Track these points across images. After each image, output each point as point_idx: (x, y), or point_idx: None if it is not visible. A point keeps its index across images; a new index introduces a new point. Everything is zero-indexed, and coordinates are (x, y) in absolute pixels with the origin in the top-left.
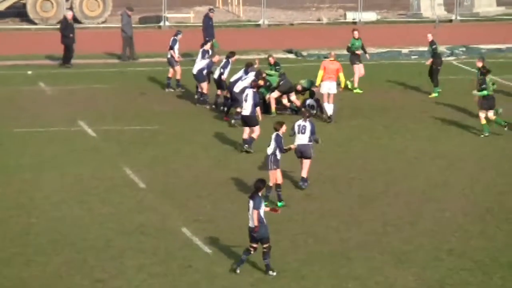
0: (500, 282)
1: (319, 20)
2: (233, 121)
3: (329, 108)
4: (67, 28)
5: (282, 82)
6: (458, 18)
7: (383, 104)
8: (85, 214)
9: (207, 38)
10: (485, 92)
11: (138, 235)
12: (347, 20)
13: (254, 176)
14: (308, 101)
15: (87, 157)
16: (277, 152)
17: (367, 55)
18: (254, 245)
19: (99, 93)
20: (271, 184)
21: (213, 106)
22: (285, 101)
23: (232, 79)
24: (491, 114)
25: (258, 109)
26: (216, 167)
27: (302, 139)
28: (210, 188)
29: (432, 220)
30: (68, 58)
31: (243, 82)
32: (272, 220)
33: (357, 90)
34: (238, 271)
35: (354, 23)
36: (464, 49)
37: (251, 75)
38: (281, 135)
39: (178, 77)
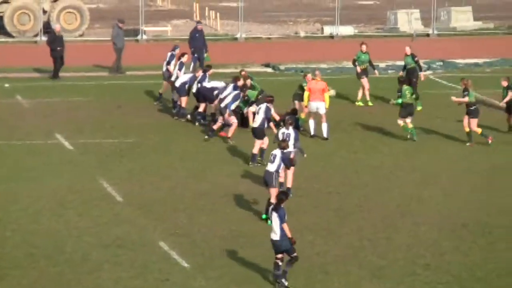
0: None
1: (296, 34)
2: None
3: (323, 127)
4: (55, 41)
5: (261, 96)
6: (435, 32)
7: (361, 118)
8: (62, 227)
9: (192, 50)
10: (399, 101)
11: (115, 248)
12: (324, 34)
13: (230, 188)
14: (288, 117)
15: (64, 170)
16: (281, 169)
17: (375, 71)
18: (280, 256)
19: (77, 106)
20: (272, 200)
21: (189, 118)
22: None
23: (222, 96)
24: (409, 120)
25: (271, 124)
26: (193, 179)
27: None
28: (186, 201)
29: (407, 235)
30: (57, 71)
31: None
32: (248, 234)
33: (369, 103)
34: (285, 282)
35: (332, 37)
36: (441, 63)
37: (230, 88)
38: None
39: (161, 91)
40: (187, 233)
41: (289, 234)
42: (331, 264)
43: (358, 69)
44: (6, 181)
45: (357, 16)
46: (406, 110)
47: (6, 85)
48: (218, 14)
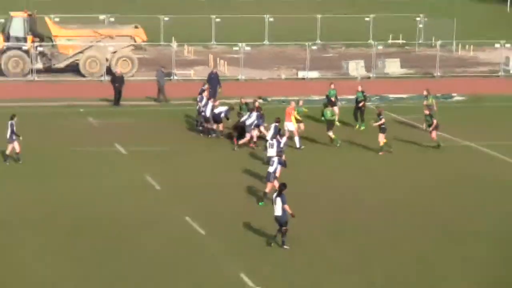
0: None
1: (279, 76)
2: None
3: (296, 140)
4: (115, 80)
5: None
6: (374, 76)
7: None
8: (117, 208)
9: (210, 88)
10: (323, 118)
11: (152, 223)
12: (298, 77)
13: (242, 181)
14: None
15: (119, 168)
16: (278, 170)
17: (339, 102)
18: (280, 227)
19: (131, 125)
20: (267, 191)
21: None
22: (255, 132)
23: (242, 119)
24: (331, 133)
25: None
26: (214, 174)
27: (271, 152)
28: (208, 189)
29: None
30: (117, 100)
31: (249, 119)
32: (252, 213)
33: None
34: (286, 247)
35: (303, 79)
36: (378, 97)
37: (254, 115)
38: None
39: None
40: (207, 211)
41: (290, 211)
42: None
43: (332, 99)
44: (79, 176)
45: (321, 65)
46: (329, 125)
47: (81, 110)
48: (225, 62)
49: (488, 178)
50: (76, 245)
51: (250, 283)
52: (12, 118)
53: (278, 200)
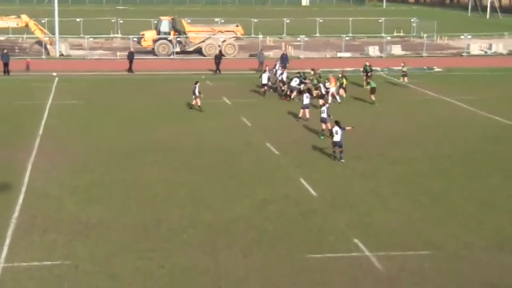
0: None
1: (325, 56)
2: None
3: (337, 97)
4: (216, 57)
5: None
6: (384, 55)
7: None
8: (229, 144)
9: (281, 64)
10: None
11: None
12: (337, 56)
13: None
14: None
15: (224, 113)
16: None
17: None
18: (337, 149)
19: (235, 86)
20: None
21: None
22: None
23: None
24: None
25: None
26: (289, 116)
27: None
28: (285, 127)
29: None
30: (217, 70)
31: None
32: (320, 145)
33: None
34: (343, 160)
35: (340, 57)
36: (387, 68)
37: (297, 80)
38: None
39: None
40: (281, 140)
41: (352, 127)
42: None
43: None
44: (202, 118)
45: (351, 48)
46: (373, 90)
47: (203, 76)
48: (292, 47)
49: (455, 120)
50: (194, 159)
51: (306, 185)
52: (196, 83)
53: (339, 129)
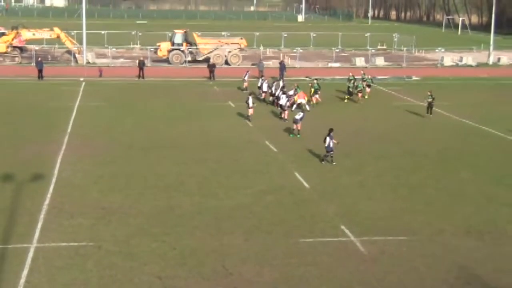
0: None
1: (317, 65)
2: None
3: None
4: (210, 66)
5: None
6: (369, 66)
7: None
8: (232, 135)
9: (280, 71)
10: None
11: (248, 144)
12: (328, 66)
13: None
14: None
15: (229, 115)
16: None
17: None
18: (329, 154)
19: (238, 91)
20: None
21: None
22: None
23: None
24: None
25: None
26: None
27: (297, 117)
28: (282, 128)
29: None
30: (212, 78)
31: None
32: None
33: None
34: (334, 163)
35: (331, 67)
36: (371, 77)
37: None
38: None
39: None
40: (276, 138)
41: (337, 141)
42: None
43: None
44: (208, 118)
45: (341, 59)
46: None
47: (210, 82)
48: (289, 57)
49: (430, 122)
50: (203, 154)
51: (299, 178)
52: (250, 95)
53: (328, 138)
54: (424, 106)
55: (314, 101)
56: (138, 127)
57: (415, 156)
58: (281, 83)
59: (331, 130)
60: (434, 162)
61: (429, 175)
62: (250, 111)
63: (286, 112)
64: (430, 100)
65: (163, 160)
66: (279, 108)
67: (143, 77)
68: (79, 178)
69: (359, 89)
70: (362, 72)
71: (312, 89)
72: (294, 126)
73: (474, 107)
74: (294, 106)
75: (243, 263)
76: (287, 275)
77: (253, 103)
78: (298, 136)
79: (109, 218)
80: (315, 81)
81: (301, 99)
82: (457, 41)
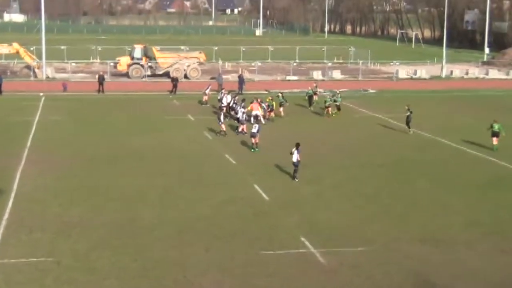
0: None
1: (276, 78)
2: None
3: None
4: (173, 80)
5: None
6: (327, 78)
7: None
8: (193, 150)
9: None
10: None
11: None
12: (286, 79)
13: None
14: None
15: (188, 127)
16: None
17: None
18: (295, 168)
19: (196, 104)
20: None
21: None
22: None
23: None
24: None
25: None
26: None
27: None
28: (241, 141)
29: None
30: (174, 91)
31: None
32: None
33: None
34: (296, 179)
35: (289, 80)
36: (328, 90)
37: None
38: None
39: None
40: (236, 152)
41: (299, 158)
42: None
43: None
44: (168, 131)
45: (298, 72)
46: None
47: (170, 96)
48: (247, 71)
49: (386, 134)
50: (164, 166)
51: (259, 189)
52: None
53: (296, 152)
54: (401, 121)
55: (282, 114)
56: (99, 141)
57: (371, 167)
58: (232, 97)
59: (298, 144)
60: (390, 172)
61: (385, 185)
62: (223, 127)
63: (244, 125)
64: (408, 114)
65: (124, 172)
66: (236, 122)
67: (103, 92)
68: (39, 192)
69: (327, 103)
70: (314, 84)
71: (275, 103)
72: (253, 140)
73: (429, 119)
74: (252, 119)
75: (205, 273)
76: (248, 285)
77: (224, 118)
78: (256, 150)
79: (69, 232)
80: (279, 95)
81: (256, 110)
82: (411, 55)
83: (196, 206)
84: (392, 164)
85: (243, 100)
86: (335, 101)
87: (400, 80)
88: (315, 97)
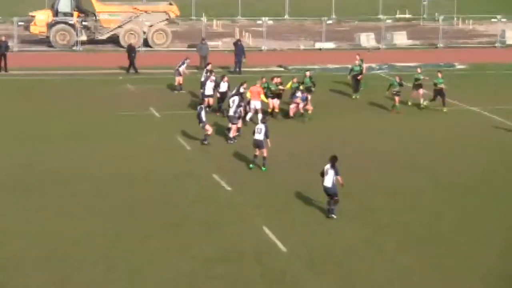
0: None
1: (298, 47)
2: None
3: (259, 117)
4: (131, 50)
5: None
6: (383, 47)
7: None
8: (155, 165)
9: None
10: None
11: (184, 176)
12: (315, 47)
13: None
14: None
15: (153, 129)
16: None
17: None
18: (329, 198)
19: (163, 90)
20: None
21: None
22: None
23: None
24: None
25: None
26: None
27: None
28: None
29: None
30: (132, 68)
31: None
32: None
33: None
34: (334, 216)
35: (320, 49)
36: (386, 66)
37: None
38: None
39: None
40: (230, 169)
41: (342, 182)
42: None
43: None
44: (118, 137)
45: (336, 36)
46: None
47: (120, 77)
48: (250, 34)
49: (486, 139)
50: (115, 203)
51: (270, 235)
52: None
53: (331, 171)
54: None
55: (309, 111)
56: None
57: (465, 194)
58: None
59: (334, 158)
60: (494, 202)
61: (488, 222)
62: (207, 129)
63: (235, 127)
64: (439, 85)
65: (41, 209)
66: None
67: (5, 70)
68: None
69: (395, 89)
70: (358, 57)
71: (300, 86)
72: (257, 152)
73: None
74: (249, 115)
75: None
76: None
77: (206, 117)
78: (263, 168)
79: None
80: (307, 73)
81: (256, 100)
82: None
83: (170, 263)
84: (485, 192)
85: (244, 83)
86: (419, 85)
87: (509, 48)
88: (360, 77)
